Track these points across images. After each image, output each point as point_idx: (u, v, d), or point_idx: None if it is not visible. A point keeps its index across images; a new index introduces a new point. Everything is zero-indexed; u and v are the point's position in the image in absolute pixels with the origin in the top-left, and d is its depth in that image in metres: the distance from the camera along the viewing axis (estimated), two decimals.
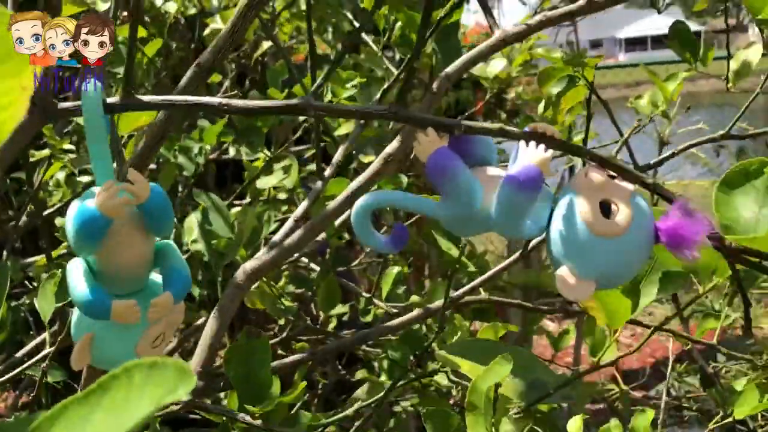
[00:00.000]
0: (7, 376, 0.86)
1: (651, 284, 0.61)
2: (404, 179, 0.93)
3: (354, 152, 1.14)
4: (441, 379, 0.90)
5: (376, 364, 1.16)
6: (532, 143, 0.45)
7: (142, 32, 0.97)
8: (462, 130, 0.45)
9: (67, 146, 1.04)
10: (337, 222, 0.98)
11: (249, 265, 0.70)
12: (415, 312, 0.92)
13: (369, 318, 1.08)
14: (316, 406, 1.39)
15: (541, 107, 0.90)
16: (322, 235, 0.96)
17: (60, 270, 0.70)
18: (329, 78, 0.90)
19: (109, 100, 0.45)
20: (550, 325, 2.82)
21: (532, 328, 1.23)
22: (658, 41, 26.37)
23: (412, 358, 0.84)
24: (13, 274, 1.20)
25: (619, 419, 0.67)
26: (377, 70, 1.12)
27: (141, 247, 0.46)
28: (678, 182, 3.12)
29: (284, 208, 1.14)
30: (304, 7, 1.36)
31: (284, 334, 1.06)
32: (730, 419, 0.79)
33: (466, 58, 0.60)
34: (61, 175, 1.12)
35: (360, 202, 0.48)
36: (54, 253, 0.99)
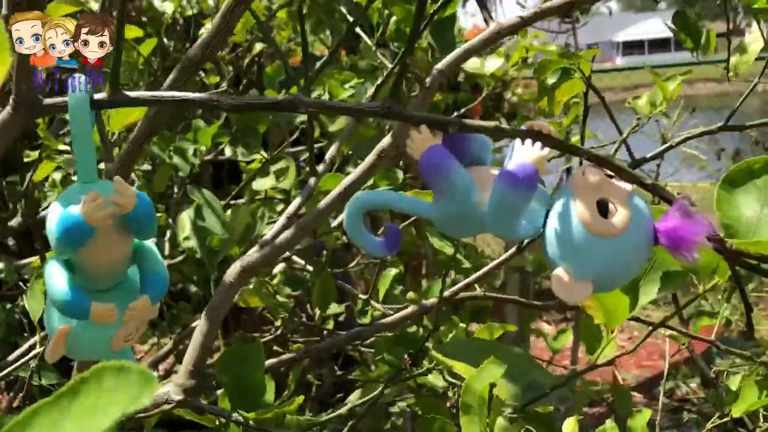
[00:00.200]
0: None
1: (650, 283, 0.60)
2: (399, 174, 0.92)
3: (350, 152, 1.13)
4: (437, 380, 0.89)
5: (373, 367, 1.15)
6: (528, 141, 0.44)
7: (138, 32, 0.96)
8: (457, 128, 0.44)
9: (62, 147, 1.03)
10: (335, 223, 0.97)
11: (240, 262, 0.69)
12: (410, 309, 0.91)
13: (366, 320, 1.07)
14: (310, 407, 1.38)
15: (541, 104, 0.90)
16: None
17: None
18: (321, 73, 0.89)
19: (96, 96, 0.45)
20: (546, 327, 2.82)
21: (528, 326, 1.22)
22: (655, 45, 26.41)
23: (406, 356, 0.83)
24: (8, 276, 1.19)
25: (620, 421, 0.66)
26: (371, 62, 1.12)
27: (122, 248, 0.46)
28: (678, 185, 3.12)
29: (280, 207, 1.13)
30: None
31: (279, 332, 1.05)
32: (727, 418, 0.79)
33: (460, 51, 0.59)
34: (57, 176, 1.11)
35: (352, 202, 0.47)
36: (48, 255, 0.97)
